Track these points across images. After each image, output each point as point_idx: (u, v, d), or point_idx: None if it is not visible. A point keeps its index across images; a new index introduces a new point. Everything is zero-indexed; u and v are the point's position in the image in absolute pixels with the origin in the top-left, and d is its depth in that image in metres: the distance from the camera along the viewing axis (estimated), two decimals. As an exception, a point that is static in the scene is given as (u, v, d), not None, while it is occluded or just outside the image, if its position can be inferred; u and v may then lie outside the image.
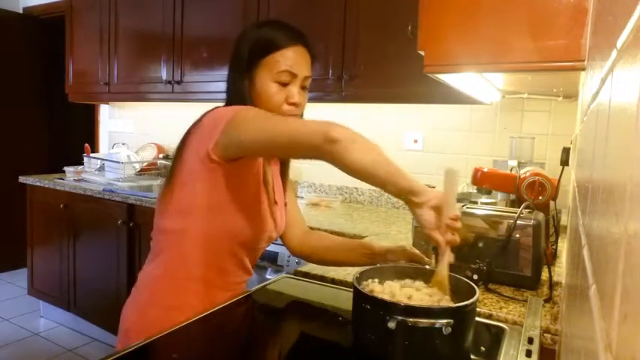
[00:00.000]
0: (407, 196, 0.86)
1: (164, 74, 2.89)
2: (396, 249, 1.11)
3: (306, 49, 1.06)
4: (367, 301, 0.82)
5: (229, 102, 1.07)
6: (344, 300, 1.07)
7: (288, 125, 0.92)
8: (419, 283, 0.95)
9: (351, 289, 0.88)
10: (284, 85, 1.03)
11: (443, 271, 0.89)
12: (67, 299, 2.97)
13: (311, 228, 1.30)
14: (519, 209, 1.22)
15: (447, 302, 0.86)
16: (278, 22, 1.10)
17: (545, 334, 0.99)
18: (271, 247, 1.99)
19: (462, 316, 0.79)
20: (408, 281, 0.96)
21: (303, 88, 1.07)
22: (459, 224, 0.87)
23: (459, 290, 0.90)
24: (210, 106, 1.10)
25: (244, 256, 1.09)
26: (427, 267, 1.04)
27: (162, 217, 1.05)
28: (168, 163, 1.87)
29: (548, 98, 2.05)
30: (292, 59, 1.02)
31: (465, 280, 0.91)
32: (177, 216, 1.02)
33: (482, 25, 1.03)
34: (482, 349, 0.90)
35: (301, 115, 1.12)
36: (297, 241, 1.23)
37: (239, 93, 1.05)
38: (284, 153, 1.07)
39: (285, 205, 1.21)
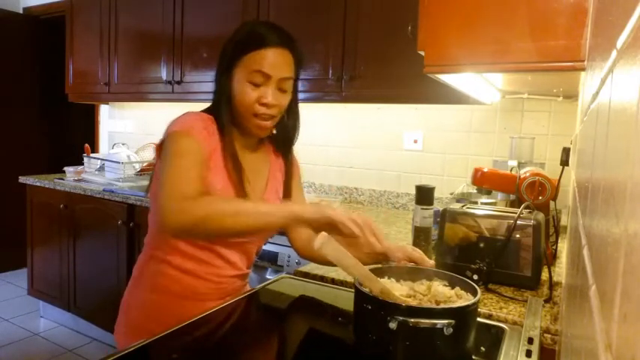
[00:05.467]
0: (296, 221, 0.94)
1: (164, 74, 2.89)
2: (398, 248, 1.11)
3: (288, 50, 1.06)
4: (368, 301, 0.82)
5: (213, 98, 1.12)
6: (344, 300, 1.07)
7: (163, 191, 0.94)
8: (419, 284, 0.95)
9: (352, 290, 0.88)
10: (257, 85, 1.04)
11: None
12: (67, 299, 2.97)
13: None
14: (519, 209, 1.22)
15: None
16: (267, 23, 1.12)
17: (545, 334, 0.99)
18: (271, 247, 1.99)
19: (463, 317, 0.79)
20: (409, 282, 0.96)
21: (281, 90, 1.06)
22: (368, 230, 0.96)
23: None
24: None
25: (222, 249, 1.09)
26: (427, 267, 1.04)
27: (150, 209, 1.16)
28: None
29: (548, 98, 2.05)
30: (267, 60, 1.03)
31: (467, 280, 0.91)
32: (154, 208, 1.12)
33: (482, 26, 1.03)
34: (482, 349, 0.90)
35: (292, 116, 1.15)
36: (302, 243, 1.22)
37: (218, 90, 1.09)
38: None
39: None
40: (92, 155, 3.19)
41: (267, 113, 1.05)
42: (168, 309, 1.08)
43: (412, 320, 0.76)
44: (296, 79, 1.13)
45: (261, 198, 1.14)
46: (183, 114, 1.08)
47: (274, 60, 1.04)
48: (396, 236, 1.86)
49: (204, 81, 2.72)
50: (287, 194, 1.22)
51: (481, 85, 1.50)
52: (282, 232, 1.23)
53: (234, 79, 1.05)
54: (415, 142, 2.45)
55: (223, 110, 1.08)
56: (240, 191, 1.07)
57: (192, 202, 0.92)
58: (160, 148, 1.05)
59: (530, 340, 0.90)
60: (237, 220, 0.92)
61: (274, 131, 1.15)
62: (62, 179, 3.04)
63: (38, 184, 3.04)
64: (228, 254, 1.11)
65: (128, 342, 1.05)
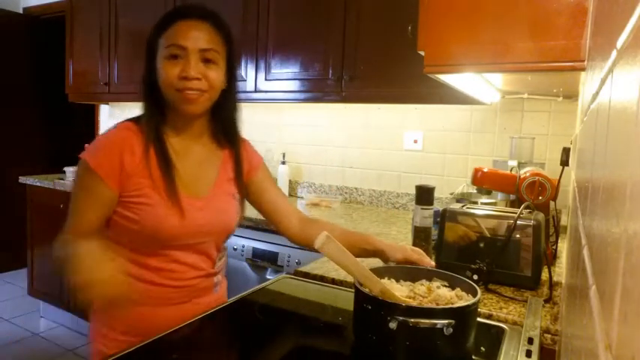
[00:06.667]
0: None
1: (164, 74, 2.89)
2: (398, 248, 1.11)
3: (207, 22, 1.02)
4: (368, 301, 0.82)
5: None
6: (344, 300, 1.07)
7: (70, 210, 1.02)
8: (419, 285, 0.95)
9: (352, 290, 0.88)
10: (174, 57, 1.00)
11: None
12: (67, 299, 2.97)
13: None
14: (519, 209, 1.22)
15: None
16: (183, 4, 1.09)
17: (545, 334, 0.99)
18: (271, 247, 1.99)
19: (463, 317, 0.79)
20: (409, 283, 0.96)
21: (206, 61, 1.01)
22: None
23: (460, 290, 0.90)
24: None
25: (177, 254, 1.04)
26: (427, 268, 1.04)
27: None
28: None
29: (548, 98, 2.05)
30: (179, 32, 1.00)
31: (467, 280, 0.91)
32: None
33: (482, 26, 1.03)
34: (483, 349, 0.90)
35: (227, 92, 1.08)
36: (296, 230, 1.21)
37: (142, 83, 1.07)
38: None
39: (241, 197, 1.16)
40: (92, 155, 3.19)
41: (191, 87, 0.99)
42: (127, 317, 1.04)
43: (412, 320, 0.76)
44: (230, 57, 1.07)
45: (209, 196, 1.09)
46: (106, 133, 1.05)
47: (189, 31, 1.00)
48: (396, 236, 1.86)
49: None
50: (241, 191, 1.16)
51: (481, 85, 1.50)
52: (271, 230, 1.23)
53: (156, 64, 1.03)
54: (415, 142, 2.45)
55: (148, 103, 1.05)
56: (171, 193, 1.01)
57: (61, 242, 0.97)
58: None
59: (530, 340, 0.90)
60: (70, 269, 0.87)
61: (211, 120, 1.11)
62: (62, 179, 3.04)
63: (38, 184, 3.04)
64: (184, 257, 1.06)
65: (101, 354, 1.04)
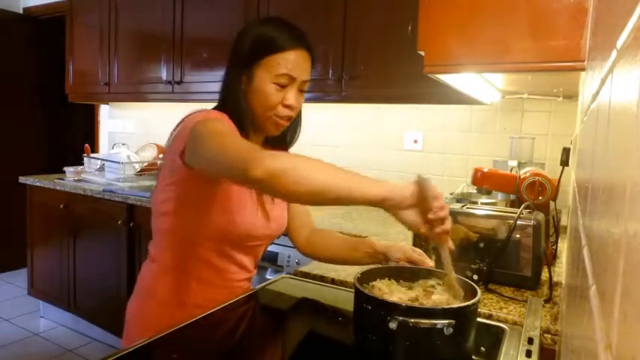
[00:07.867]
0: (381, 204, 0.83)
1: (164, 74, 2.89)
2: (398, 248, 1.11)
3: (308, 52, 1.06)
4: (369, 301, 0.82)
5: (222, 96, 1.08)
6: (344, 300, 1.07)
7: (227, 150, 0.85)
8: (419, 285, 0.95)
9: (352, 290, 0.88)
10: (282, 86, 1.03)
11: (449, 273, 0.89)
12: (67, 299, 2.97)
13: None
14: (519, 209, 1.22)
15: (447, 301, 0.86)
16: (282, 21, 1.09)
17: (545, 335, 0.99)
18: (271, 247, 1.99)
19: (463, 317, 0.79)
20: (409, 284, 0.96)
21: (300, 90, 1.07)
22: (443, 212, 0.85)
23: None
24: (210, 106, 1.10)
25: (238, 255, 1.09)
26: (427, 268, 1.04)
27: (154, 216, 1.09)
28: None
29: (548, 98, 2.05)
30: (293, 62, 1.02)
31: (467, 280, 0.91)
32: (164, 215, 1.06)
33: (482, 26, 1.03)
34: (483, 349, 0.90)
35: (297, 116, 1.13)
36: (303, 240, 1.24)
37: (233, 89, 1.05)
38: (223, 177, 0.97)
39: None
40: (92, 155, 3.19)
41: (288, 115, 1.06)
42: (173, 318, 1.01)
43: (412, 320, 0.76)
44: None
45: (275, 201, 1.13)
46: (197, 111, 1.04)
47: (299, 62, 1.03)
48: (397, 236, 1.86)
49: (205, 81, 2.72)
50: None
51: (481, 85, 1.50)
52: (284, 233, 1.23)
53: (254, 77, 1.03)
54: (415, 142, 2.45)
55: (242, 108, 1.04)
56: (259, 197, 1.08)
57: (273, 153, 0.82)
58: (181, 152, 0.98)
59: (530, 340, 0.90)
60: (325, 179, 0.78)
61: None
62: (62, 179, 3.04)
63: (38, 184, 3.04)
64: (241, 258, 1.10)
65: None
